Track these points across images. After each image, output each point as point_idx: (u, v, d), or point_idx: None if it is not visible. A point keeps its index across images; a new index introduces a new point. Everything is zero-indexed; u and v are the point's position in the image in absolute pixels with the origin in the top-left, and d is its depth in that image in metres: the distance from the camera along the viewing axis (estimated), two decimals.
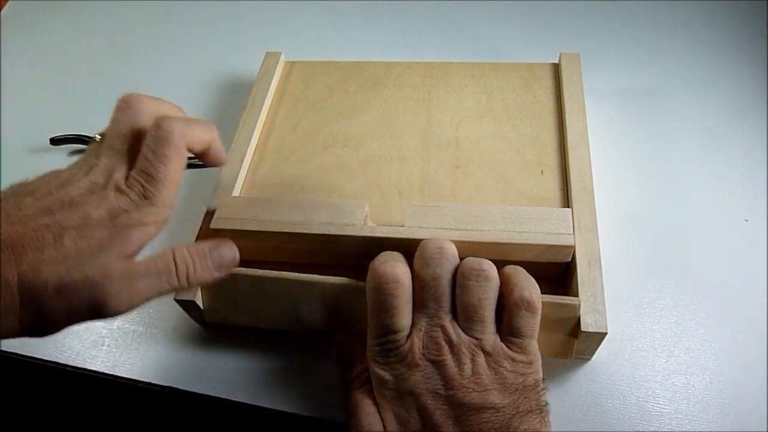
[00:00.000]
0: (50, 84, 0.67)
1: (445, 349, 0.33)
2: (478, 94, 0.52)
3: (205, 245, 0.35)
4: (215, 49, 0.68)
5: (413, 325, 0.34)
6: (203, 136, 0.36)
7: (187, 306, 0.42)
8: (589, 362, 0.41)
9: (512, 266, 0.37)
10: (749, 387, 0.40)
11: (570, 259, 0.40)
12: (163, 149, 0.33)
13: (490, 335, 0.34)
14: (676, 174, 0.52)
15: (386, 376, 0.34)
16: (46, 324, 0.31)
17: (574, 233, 0.39)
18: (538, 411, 0.33)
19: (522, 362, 0.34)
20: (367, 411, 0.34)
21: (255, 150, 0.50)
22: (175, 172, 0.34)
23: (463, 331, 0.34)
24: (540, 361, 0.35)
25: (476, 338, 0.34)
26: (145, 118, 0.35)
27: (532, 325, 0.34)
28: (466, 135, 0.49)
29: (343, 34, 0.68)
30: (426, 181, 0.46)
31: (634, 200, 0.50)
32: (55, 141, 0.57)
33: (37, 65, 0.69)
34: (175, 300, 0.41)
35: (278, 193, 0.47)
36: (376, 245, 0.41)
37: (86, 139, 0.58)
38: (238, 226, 0.42)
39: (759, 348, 0.41)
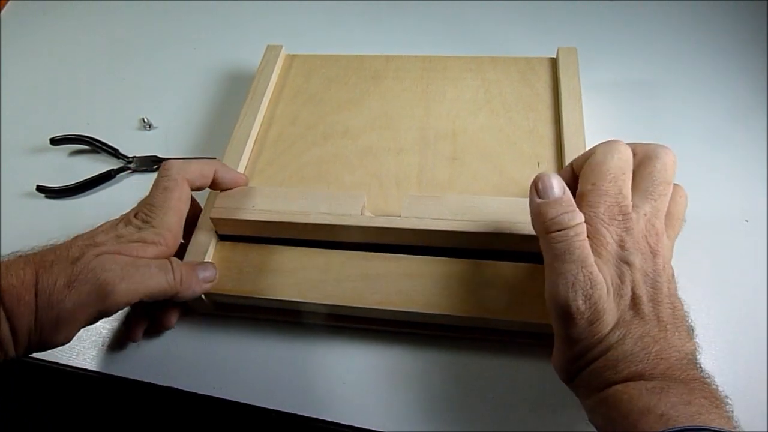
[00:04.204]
0: (50, 84, 0.67)
1: (663, 241, 0.34)
2: (475, 87, 0.52)
3: (192, 262, 0.42)
4: (217, 43, 0.69)
5: (635, 205, 0.34)
6: (203, 171, 0.42)
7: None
8: None
9: None
10: (749, 387, 0.39)
11: None
12: (163, 182, 0.40)
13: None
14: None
15: (609, 237, 0.33)
16: (58, 321, 0.34)
17: None
18: None
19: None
20: (592, 260, 0.32)
21: (255, 141, 0.51)
22: (175, 201, 0.40)
23: None
24: None
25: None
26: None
27: None
28: (463, 127, 0.49)
29: (343, 30, 0.69)
30: (423, 172, 0.47)
31: None
32: (55, 141, 0.58)
33: (37, 65, 0.69)
34: None
35: (278, 183, 0.47)
36: (374, 235, 0.41)
37: (86, 139, 0.58)
38: (237, 216, 0.42)
39: (759, 348, 0.41)
